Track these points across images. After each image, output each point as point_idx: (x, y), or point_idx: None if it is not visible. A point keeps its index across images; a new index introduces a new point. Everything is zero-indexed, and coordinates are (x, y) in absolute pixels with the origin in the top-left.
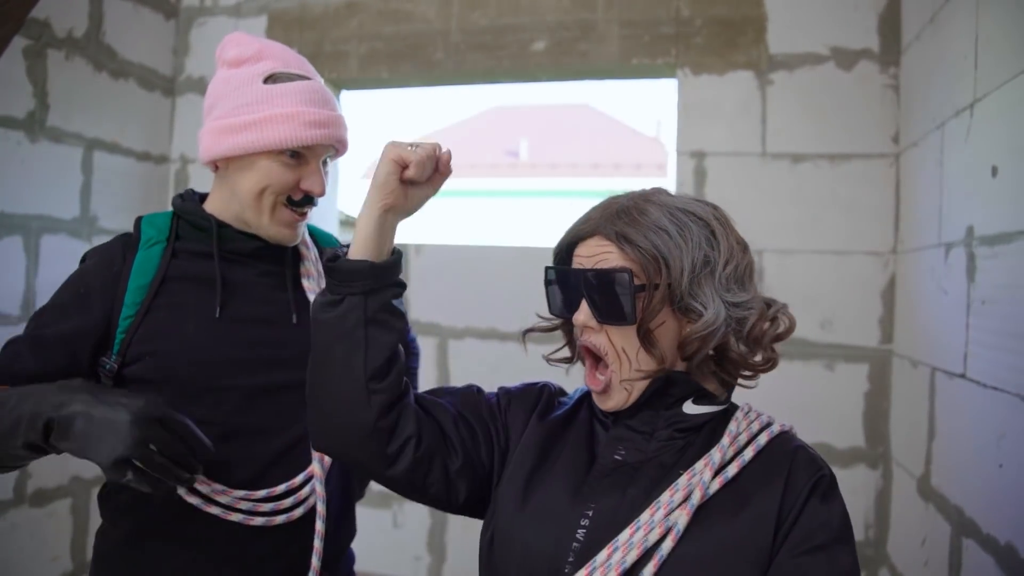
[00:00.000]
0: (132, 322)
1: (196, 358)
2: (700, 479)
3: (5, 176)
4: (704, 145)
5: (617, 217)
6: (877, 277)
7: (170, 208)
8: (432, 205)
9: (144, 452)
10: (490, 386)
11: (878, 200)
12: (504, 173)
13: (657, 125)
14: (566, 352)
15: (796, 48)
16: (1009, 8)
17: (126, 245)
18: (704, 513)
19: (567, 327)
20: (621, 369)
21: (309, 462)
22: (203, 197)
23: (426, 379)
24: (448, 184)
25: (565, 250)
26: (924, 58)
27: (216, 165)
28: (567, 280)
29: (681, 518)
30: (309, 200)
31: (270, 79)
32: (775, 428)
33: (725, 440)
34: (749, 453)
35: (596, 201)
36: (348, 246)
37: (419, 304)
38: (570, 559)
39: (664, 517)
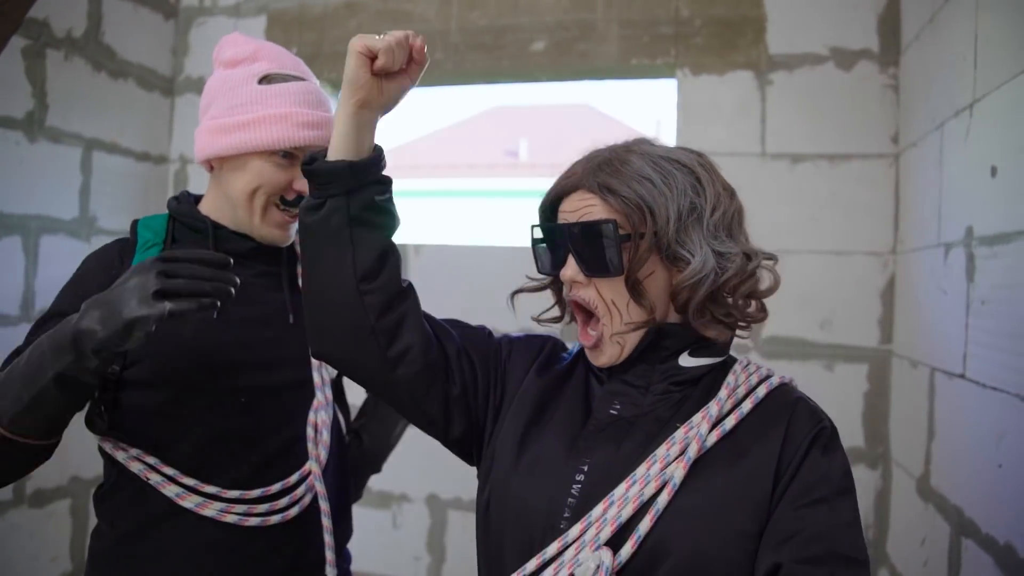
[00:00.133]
0: None
1: (194, 360)
2: (697, 432)
3: (4, 176)
4: (703, 145)
5: (599, 169)
6: (876, 277)
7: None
8: (432, 205)
9: (167, 282)
10: None
11: (878, 200)
12: (504, 173)
13: (657, 125)
14: (556, 311)
15: (795, 48)
16: (1008, 8)
17: (123, 249)
18: (701, 466)
19: (556, 285)
20: (612, 322)
21: (304, 461)
22: (198, 199)
23: None
24: (448, 184)
25: (549, 207)
26: (923, 58)
27: (211, 165)
28: (553, 236)
29: (677, 471)
30: (302, 200)
31: (265, 80)
32: (774, 380)
33: (723, 393)
34: (747, 405)
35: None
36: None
37: None
38: (566, 514)
39: (660, 471)
